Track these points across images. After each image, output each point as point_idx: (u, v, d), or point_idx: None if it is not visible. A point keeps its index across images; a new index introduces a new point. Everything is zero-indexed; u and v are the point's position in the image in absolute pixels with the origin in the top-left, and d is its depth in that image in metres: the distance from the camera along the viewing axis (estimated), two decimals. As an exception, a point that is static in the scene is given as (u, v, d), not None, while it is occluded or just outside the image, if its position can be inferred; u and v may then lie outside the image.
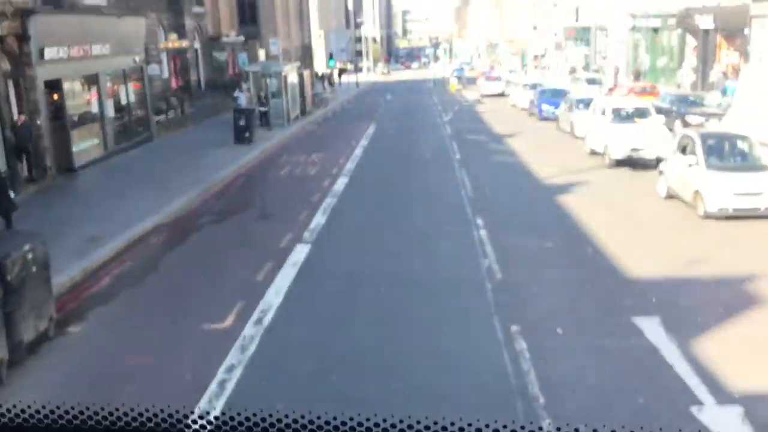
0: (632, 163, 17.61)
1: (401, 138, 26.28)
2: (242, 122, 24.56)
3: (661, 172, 14.24)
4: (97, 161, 20.49)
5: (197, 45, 42.06)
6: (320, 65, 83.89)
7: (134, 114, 24.11)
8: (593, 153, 19.42)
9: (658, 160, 17.39)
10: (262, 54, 35.08)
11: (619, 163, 17.61)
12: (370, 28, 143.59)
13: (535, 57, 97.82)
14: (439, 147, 23.11)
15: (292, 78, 33.87)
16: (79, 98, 20.47)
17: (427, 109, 38.68)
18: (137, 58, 23.93)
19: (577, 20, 69.45)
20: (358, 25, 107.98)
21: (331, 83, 48.47)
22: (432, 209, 14.24)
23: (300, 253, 11.20)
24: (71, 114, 19.62)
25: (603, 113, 19.10)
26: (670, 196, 13.84)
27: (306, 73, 35.78)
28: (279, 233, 12.36)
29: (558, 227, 12.20)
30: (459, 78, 53.39)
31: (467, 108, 37.92)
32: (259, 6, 48.06)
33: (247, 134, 24.66)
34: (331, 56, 52.68)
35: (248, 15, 48.79)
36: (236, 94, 29.42)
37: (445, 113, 34.67)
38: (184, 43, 28.87)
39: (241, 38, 39.42)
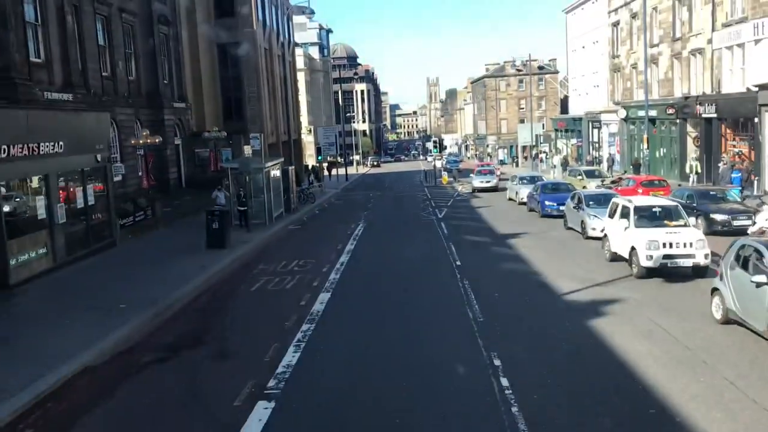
0: (665, 272, 14.99)
1: (392, 239, 23.72)
2: (215, 225, 21.99)
3: (715, 290, 11.55)
4: (42, 274, 17.69)
5: (178, 140, 40.21)
6: (311, 159, 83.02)
7: (94, 218, 21.51)
8: (615, 258, 16.82)
9: (695, 269, 14.87)
10: (248, 150, 33.13)
11: (650, 273, 14.97)
12: (360, 123, 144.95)
13: (524, 148, 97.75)
14: (435, 251, 20.52)
15: (276, 174, 31.68)
16: (22, 202, 17.92)
17: (419, 204, 36.44)
18: (99, 157, 21.57)
19: (567, 112, 68.96)
20: (348, 120, 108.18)
21: (318, 178, 46.48)
22: (433, 343, 11.35)
23: (258, 418, 8.28)
24: (11, 220, 16.99)
25: (624, 214, 16.64)
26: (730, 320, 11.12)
27: (291, 169, 33.66)
28: (237, 382, 9.45)
29: (606, 380, 9.28)
30: (450, 170, 51.65)
31: (462, 203, 35.70)
32: (245, 101, 46.72)
33: (220, 238, 22.06)
34: (319, 150, 51.04)
35: (234, 110, 47.37)
36: (215, 193, 27.03)
37: (438, 209, 32.36)
38: (157, 140, 26.71)
39: (223, 134, 37.55)
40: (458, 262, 18.23)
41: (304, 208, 35.21)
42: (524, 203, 31.16)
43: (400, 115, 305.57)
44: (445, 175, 49.79)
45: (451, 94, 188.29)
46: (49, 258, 18.36)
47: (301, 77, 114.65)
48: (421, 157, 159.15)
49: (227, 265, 19.55)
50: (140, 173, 27.79)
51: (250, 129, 46.60)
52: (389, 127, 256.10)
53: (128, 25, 34.34)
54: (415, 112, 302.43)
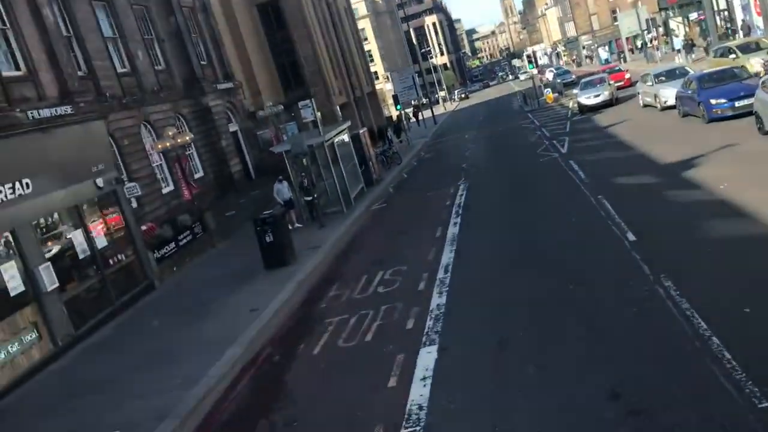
0: None
1: (510, 206, 16.99)
2: (269, 237, 16.17)
3: None
4: (35, 370, 12.58)
5: (234, 126, 34.85)
6: (393, 110, 76.41)
7: (112, 263, 16.27)
8: None
9: None
10: (307, 116, 27.28)
11: None
12: (438, 57, 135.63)
13: (627, 40, 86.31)
14: (582, 216, 13.69)
15: (345, 143, 25.48)
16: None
17: (528, 137, 29.11)
18: (101, 181, 16.17)
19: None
20: (424, 57, 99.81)
21: (399, 130, 39.80)
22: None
23: None
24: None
25: None
26: None
27: (362, 132, 27.35)
28: None
29: None
30: (554, 87, 43.47)
31: (584, 125, 27.97)
32: (302, 65, 40.61)
33: (279, 254, 16.28)
34: (396, 99, 44.25)
35: (292, 76, 41.47)
36: (276, 186, 21.22)
37: (557, 141, 25.04)
38: (186, 137, 21.09)
39: (279, 107, 31.68)
40: (631, 236, 11.32)
41: (389, 175, 28.88)
42: (671, 107, 23.31)
43: (477, 39, 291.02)
44: (548, 92, 41.81)
45: (529, 2, 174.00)
46: (44, 343, 13.19)
47: (366, 24, 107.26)
48: (510, 77, 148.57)
49: (287, 300, 13.66)
50: (171, 187, 22.40)
51: (314, 93, 40.63)
52: (469, 55, 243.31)
53: (140, 7, 28.82)
54: (493, 33, 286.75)
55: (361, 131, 27.08)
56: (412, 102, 59.73)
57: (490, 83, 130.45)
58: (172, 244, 19.08)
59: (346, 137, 25.35)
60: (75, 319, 14.20)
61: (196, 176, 30.06)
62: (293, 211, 21.34)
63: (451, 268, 12.73)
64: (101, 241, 15.79)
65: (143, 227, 21.70)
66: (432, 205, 19.82)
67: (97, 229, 15.74)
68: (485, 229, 15.10)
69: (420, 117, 59.73)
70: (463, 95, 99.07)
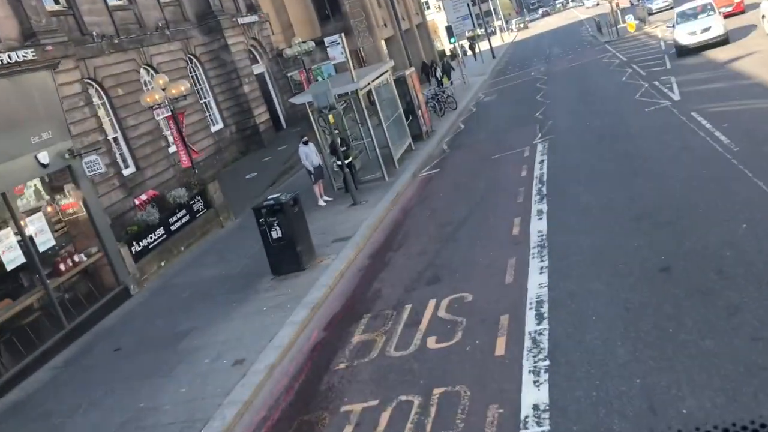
0: None
1: (622, 185, 11.76)
2: (276, 232, 11.56)
3: None
4: None
5: (261, 67, 29.95)
6: (446, 44, 69.93)
7: (68, 267, 11.93)
8: None
9: None
10: (335, 55, 22.22)
11: None
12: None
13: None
14: (745, 215, 8.56)
15: (385, 90, 20.39)
16: None
17: (617, 76, 23.29)
18: (45, 156, 11.67)
19: None
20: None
21: (447, 71, 34.07)
22: None
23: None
24: None
25: None
26: None
27: (409, 73, 22.09)
28: None
29: None
30: (640, 14, 36.72)
31: (692, 60, 21.87)
32: (338, -8, 35.05)
33: (291, 256, 11.69)
34: (450, 31, 38.29)
35: (330, 6, 36.01)
36: (301, 149, 16.48)
37: (660, 82, 19.33)
38: (182, 87, 16.36)
39: (310, 44, 26.52)
40: None
41: (443, 125, 23.67)
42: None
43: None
44: (629, 19, 35.25)
45: None
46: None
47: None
48: (571, 4, 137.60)
49: (290, 344, 9.07)
50: (174, 149, 17.61)
51: (354, 27, 35.21)
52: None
53: (138, -77, 23.78)
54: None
55: (407, 72, 21.83)
56: (466, 33, 53.22)
57: (550, 11, 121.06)
58: (161, 230, 14.63)
59: (388, 81, 20.21)
60: (9, 357, 9.99)
61: (214, 129, 25.55)
62: (321, 182, 16.60)
63: (546, 309, 7.84)
64: (45, 241, 11.41)
65: (141, 197, 17.41)
66: (501, 174, 14.76)
67: (37, 224, 11.33)
68: (590, 229, 10.01)
69: (476, 50, 53.51)
70: (521, 25, 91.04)
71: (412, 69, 23.10)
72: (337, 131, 16.75)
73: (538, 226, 10.66)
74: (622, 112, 17.29)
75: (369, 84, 17.74)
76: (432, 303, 8.97)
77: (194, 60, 25.54)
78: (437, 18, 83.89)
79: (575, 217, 10.67)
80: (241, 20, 27.96)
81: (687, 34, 22.60)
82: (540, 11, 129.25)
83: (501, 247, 10.27)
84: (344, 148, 16.50)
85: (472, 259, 10.19)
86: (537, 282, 8.63)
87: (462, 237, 11.44)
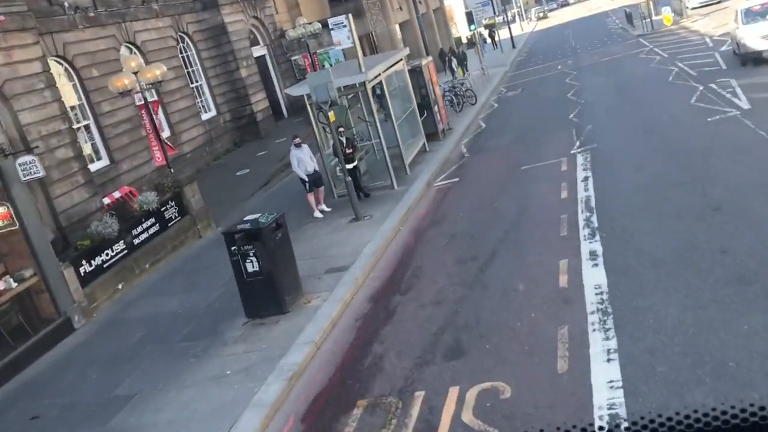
0: None
1: (699, 219, 9.14)
2: (252, 264, 9.01)
3: None
4: None
5: (262, 49, 27.30)
6: (463, 31, 67.02)
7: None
8: None
9: None
10: (340, 40, 19.63)
11: None
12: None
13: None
14: None
15: (398, 81, 17.79)
16: None
17: (660, 74, 20.57)
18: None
19: None
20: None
21: (460, 60, 31.25)
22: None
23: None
24: None
25: None
26: None
27: (427, 63, 19.39)
28: None
29: None
30: (676, 6, 33.69)
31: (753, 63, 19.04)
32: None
33: (270, 295, 9.17)
34: (470, 17, 35.37)
35: (340, -14, 33.13)
36: (294, 153, 13.85)
37: (717, 85, 16.58)
38: (157, 71, 13.75)
39: (316, 26, 23.82)
40: None
41: (461, 123, 21.00)
42: None
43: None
44: (666, 11, 32.33)
45: None
46: None
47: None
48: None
49: (261, 430, 6.56)
50: (150, 143, 14.87)
51: (367, 8, 32.44)
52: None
53: None
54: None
55: (424, 62, 19.13)
56: (483, 21, 50.15)
57: (570, 1, 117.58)
58: (120, 245, 12.09)
59: (401, 71, 17.55)
60: None
61: (205, 117, 22.96)
62: (319, 190, 14.02)
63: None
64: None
65: (114, 195, 14.96)
66: (535, 193, 12.16)
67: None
68: (670, 290, 7.38)
69: (496, 38, 50.66)
70: (541, 14, 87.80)
71: (429, 58, 20.38)
72: (341, 128, 14.16)
73: (594, 277, 8.07)
74: (679, 120, 14.58)
75: (380, 75, 15.09)
76: (453, 393, 6.42)
77: (186, 39, 22.90)
78: (454, 4, 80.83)
79: (645, 268, 8.04)
80: (241, -5, 25.28)
81: (760, 38, 17.79)
82: (558, 1, 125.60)
83: (545, 306, 7.70)
84: (349, 151, 13.92)
85: (507, 320, 7.62)
86: (605, 377, 6.05)
87: (491, 282, 8.86)
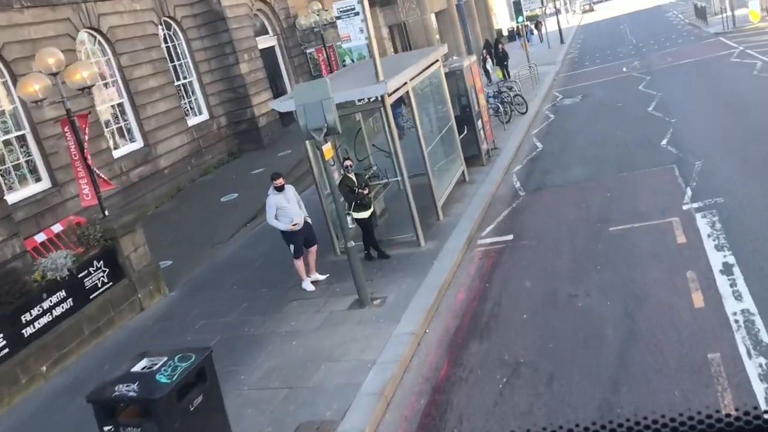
0: None
1: None
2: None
3: None
4: None
5: (272, 39, 23.00)
6: (504, 23, 62.08)
7: None
8: None
9: None
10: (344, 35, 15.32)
11: None
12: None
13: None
14: None
15: (433, 90, 13.41)
16: None
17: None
18: None
19: None
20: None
21: (499, 61, 26.47)
22: None
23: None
24: None
25: None
26: None
27: (470, 65, 14.84)
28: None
29: None
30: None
31: None
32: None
33: None
34: (518, 6, 30.36)
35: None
36: (271, 199, 9.49)
37: None
38: (84, 73, 9.51)
39: (331, 14, 19.40)
40: None
41: (510, 142, 16.43)
42: None
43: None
44: (754, 6, 27.19)
45: None
46: None
47: None
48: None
49: None
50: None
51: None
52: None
53: None
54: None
55: (466, 63, 14.59)
56: (526, 12, 44.55)
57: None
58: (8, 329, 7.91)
59: (439, 79, 13.08)
60: None
61: (194, 121, 18.77)
62: (311, 250, 9.67)
63: None
64: None
65: (52, 229, 11.05)
66: (643, 285, 7.64)
67: None
68: None
69: (543, 30, 45.90)
70: (587, 6, 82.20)
71: (473, 58, 15.80)
72: (348, 162, 9.84)
73: None
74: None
75: (406, 84, 10.64)
76: None
77: (173, 25, 18.69)
78: (495, -7, 75.40)
79: None
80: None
81: None
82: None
83: None
84: (364, 191, 9.61)
85: None
86: None
87: None
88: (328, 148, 8.46)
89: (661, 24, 39.60)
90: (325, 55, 19.58)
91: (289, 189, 9.50)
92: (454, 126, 13.56)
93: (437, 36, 28.04)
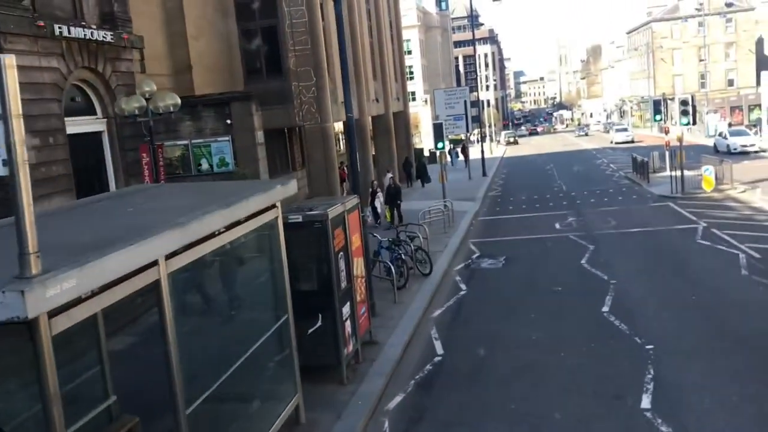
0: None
1: None
2: None
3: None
4: None
5: (99, 125, 16.67)
6: (427, 142, 58.74)
7: None
8: None
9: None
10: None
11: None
12: (483, 91, 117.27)
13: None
14: None
15: (245, 258, 7.21)
16: None
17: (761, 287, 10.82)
18: None
19: None
20: (472, 89, 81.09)
21: (420, 174, 21.31)
22: None
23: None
24: None
25: None
26: None
27: (345, 209, 9.02)
28: None
29: None
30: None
31: None
32: (282, 39, 22.15)
33: None
34: (439, 131, 25.47)
35: (263, 59, 23.06)
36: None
37: None
38: None
39: (175, 99, 13.38)
40: None
41: (399, 327, 10.45)
42: None
43: (524, 82, 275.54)
44: (708, 173, 23.06)
45: (595, 51, 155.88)
46: None
47: (413, 35, 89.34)
48: (559, 126, 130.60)
49: None
50: None
51: (296, 93, 22.53)
52: (512, 97, 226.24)
53: None
54: (541, 78, 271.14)
55: (337, 209, 8.74)
56: (450, 135, 40.02)
57: (539, 130, 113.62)
58: None
59: (264, 228, 7.13)
60: None
61: None
62: None
63: None
64: None
65: None
66: None
67: None
68: None
69: (468, 156, 42.16)
70: (511, 139, 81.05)
71: (354, 199, 9.90)
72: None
73: None
74: None
75: (181, 254, 4.52)
76: None
77: None
78: (421, 112, 72.85)
79: None
80: (73, 31, 14.84)
81: None
82: (524, 127, 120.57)
83: None
84: None
85: None
86: None
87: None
88: None
89: (594, 172, 35.99)
90: (150, 156, 13.40)
91: None
92: (290, 321, 7.49)
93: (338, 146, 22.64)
